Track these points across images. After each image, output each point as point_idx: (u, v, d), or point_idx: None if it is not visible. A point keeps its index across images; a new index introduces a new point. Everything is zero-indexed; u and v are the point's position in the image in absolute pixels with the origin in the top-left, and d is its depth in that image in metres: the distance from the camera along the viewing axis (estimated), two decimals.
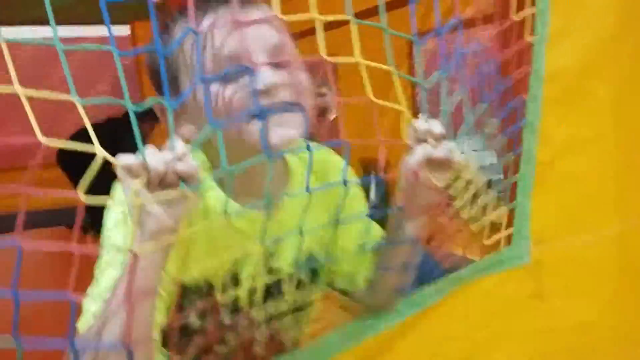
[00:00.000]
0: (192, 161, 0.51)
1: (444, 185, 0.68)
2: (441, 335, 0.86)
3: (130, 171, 0.48)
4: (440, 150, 0.65)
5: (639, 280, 1.02)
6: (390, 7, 0.73)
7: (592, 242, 0.98)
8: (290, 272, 0.79)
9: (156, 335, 0.62)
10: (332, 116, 2.08)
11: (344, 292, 0.86)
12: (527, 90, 0.84)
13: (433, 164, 0.66)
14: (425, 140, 0.66)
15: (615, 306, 1.01)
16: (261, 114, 0.58)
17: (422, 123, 0.66)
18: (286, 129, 0.63)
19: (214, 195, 0.72)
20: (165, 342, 0.69)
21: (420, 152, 0.66)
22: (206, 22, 0.65)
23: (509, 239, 0.92)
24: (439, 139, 0.66)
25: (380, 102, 0.62)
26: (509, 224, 0.90)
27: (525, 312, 0.95)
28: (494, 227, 0.89)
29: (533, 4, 0.82)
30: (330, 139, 0.68)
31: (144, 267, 0.49)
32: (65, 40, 0.41)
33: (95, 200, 0.44)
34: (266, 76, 0.63)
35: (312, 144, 0.65)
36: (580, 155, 0.94)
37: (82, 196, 0.43)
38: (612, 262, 1.00)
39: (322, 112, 2.07)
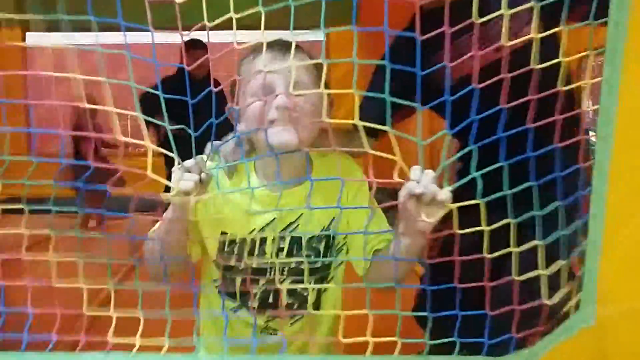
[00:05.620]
0: (203, 175, 0.90)
1: (431, 219, 0.81)
2: None
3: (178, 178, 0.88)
4: (419, 187, 0.79)
5: None
6: None
7: None
8: (307, 238, 1.05)
9: (192, 258, 1.05)
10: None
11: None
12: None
13: (421, 200, 0.81)
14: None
15: None
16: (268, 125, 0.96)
17: (416, 172, 0.82)
18: (280, 136, 0.96)
19: (248, 178, 1.04)
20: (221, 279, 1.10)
21: (405, 188, 0.82)
22: (258, 61, 0.98)
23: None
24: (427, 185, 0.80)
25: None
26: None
27: None
28: None
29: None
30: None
31: (171, 219, 0.94)
32: None
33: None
34: (279, 100, 0.96)
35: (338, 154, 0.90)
36: None
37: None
38: None
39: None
